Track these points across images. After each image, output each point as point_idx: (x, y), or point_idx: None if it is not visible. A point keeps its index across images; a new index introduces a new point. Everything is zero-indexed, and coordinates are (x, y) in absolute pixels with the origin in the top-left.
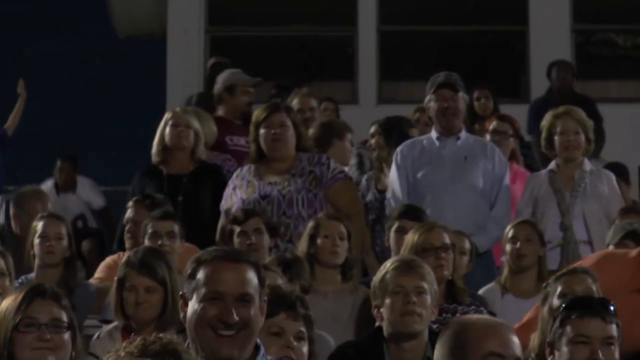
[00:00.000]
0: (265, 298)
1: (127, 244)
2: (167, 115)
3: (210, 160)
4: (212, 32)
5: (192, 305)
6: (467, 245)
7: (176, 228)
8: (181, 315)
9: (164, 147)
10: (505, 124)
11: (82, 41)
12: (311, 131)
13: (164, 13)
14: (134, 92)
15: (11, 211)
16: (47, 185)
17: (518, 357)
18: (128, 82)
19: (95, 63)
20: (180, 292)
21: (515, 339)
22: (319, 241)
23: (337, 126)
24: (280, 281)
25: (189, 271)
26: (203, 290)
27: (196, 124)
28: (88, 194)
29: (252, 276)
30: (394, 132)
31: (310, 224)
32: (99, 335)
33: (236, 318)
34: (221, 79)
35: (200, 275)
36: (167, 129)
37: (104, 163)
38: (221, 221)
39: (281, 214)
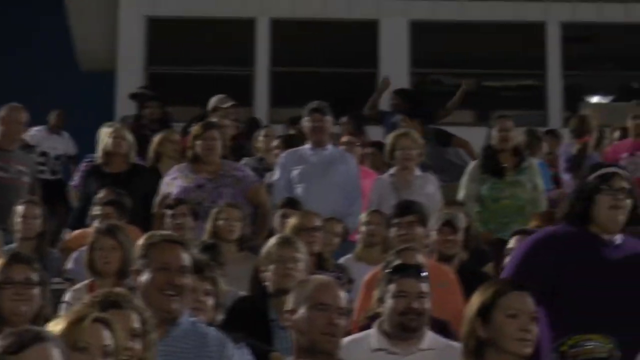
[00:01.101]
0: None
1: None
2: (109, 130)
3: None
4: (150, 70)
5: (146, 275)
6: (339, 229)
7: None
8: (136, 282)
9: (106, 153)
10: (353, 137)
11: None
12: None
13: (115, 54)
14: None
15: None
16: (39, 129)
17: (342, 308)
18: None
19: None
20: (134, 267)
21: (342, 294)
22: (220, 222)
23: None
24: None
25: (141, 252)
26: (154, 264)
27: (129, 136)
28: (69, 141)
29: (186, 255)
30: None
31: (214, 210)
32: (72, 289)
33: (179, 282)
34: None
35: (151, 253)
36: (109, 140)
37: None
38: (160, 195)
39: (211, 201)
